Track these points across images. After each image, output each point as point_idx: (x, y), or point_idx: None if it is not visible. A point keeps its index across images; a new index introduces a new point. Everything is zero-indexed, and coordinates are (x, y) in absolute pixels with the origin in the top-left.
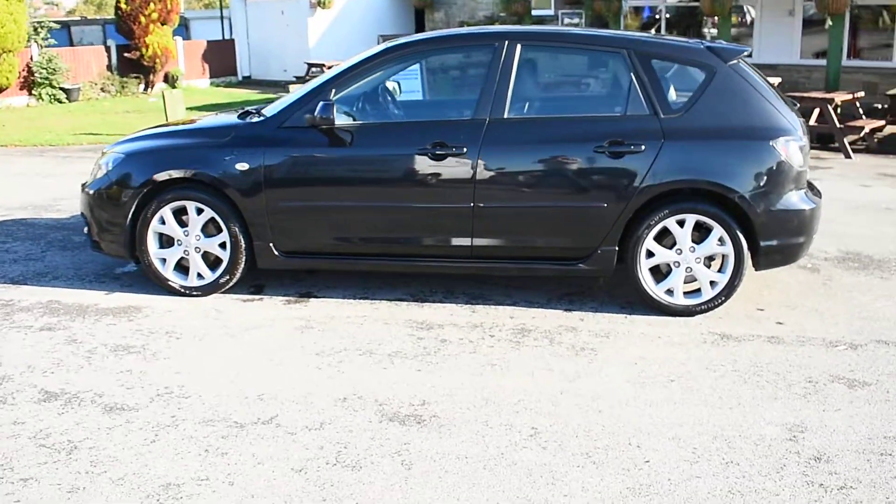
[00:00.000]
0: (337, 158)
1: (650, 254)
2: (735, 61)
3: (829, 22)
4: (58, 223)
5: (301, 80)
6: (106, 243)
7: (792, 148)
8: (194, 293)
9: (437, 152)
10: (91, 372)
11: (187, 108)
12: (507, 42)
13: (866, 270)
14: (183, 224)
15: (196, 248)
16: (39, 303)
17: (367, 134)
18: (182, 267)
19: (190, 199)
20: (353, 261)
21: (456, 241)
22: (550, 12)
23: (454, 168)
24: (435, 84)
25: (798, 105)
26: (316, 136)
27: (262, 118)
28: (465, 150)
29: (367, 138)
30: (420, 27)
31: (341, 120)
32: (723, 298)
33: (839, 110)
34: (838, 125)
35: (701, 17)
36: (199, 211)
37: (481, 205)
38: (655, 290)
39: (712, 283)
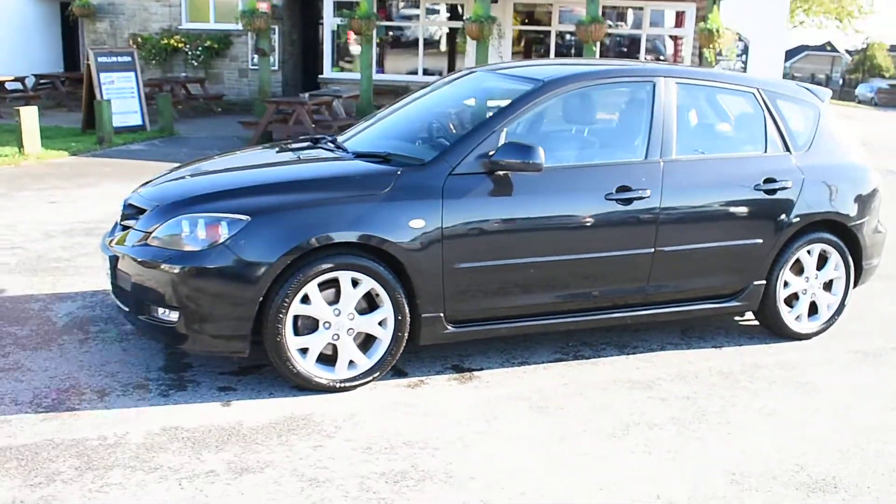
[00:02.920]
0: (522, 207)
1: (786, 284)
2: (826, 101)
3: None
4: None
5: None
6: (204, 336)
7: (879, 178)
8: (345, 387)
9: (623, 196)
10: None
11: None
12: (663, 80)
13: None
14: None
15: (349, 329)
16: (155, 432)
17: (547, 178)
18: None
19: (346, 269)
20: (528, 323)
21: (634, 289)
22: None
23: (639, 213)
24: (586, 121)
25: None
26: (493, 183)
27: (419, 163)
28: (648, 192)
29: (548, 183)
30: (74, 38)
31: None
32: (836, 318)
33: None
34: None
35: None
36: (355, 283)
37: (662, 249)
38: (788, 318)
39: (828, 306)
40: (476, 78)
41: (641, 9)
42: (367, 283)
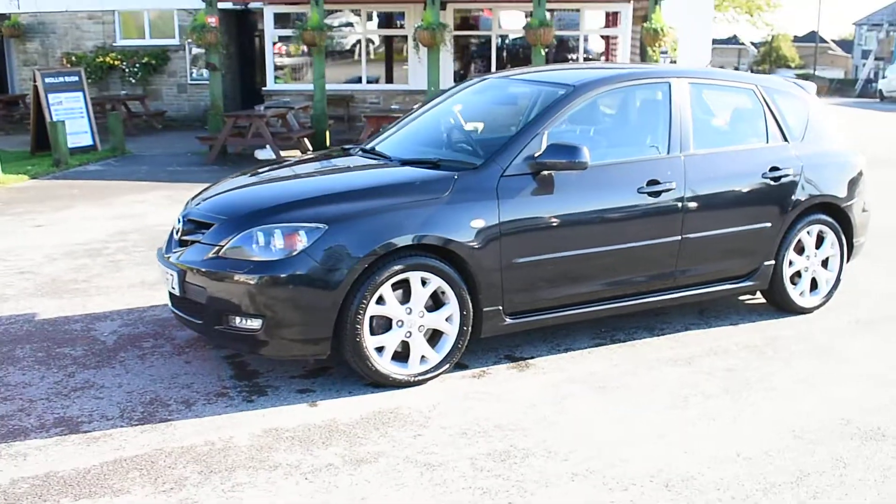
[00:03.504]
0: (566, 203)
1: (791, 263)
2: (812, 94)
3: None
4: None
5: None
6: (284, 342)
7: (863, 161)
8: (418, 381)
9: (653, 189)
10: None
11: None
12: (676, 80)
13: None
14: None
15: (419, 326)
16: (257, 434)
17: (585, 176)
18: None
19: (416, 270)
20: (577, 311)
21: (665, 275)
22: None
23: (667, 204)
24: (613, 121)
25: None
26: (539, 182)
27: (472, 167)
28: (674, 185)
29: (586, 181)
30: (2, 60)
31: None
32: (833, 292)
33: None
34: None
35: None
36: (424, 283)
37: (687, 236)
38: (794, 294)
39: (827, 282)
40: (495, 85)
41: (578, 10)
42: (435, 282)
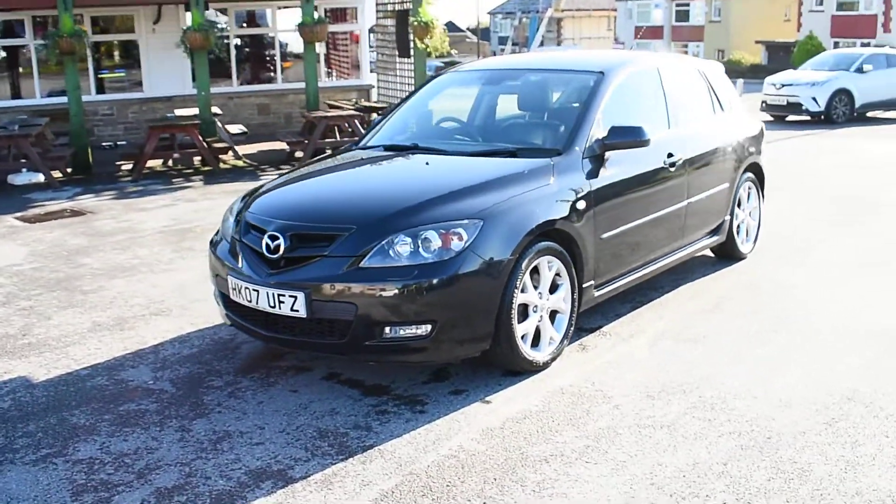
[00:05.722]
0: (627, 177)
1: (736, 216)
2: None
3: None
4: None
5: None
6: (449, 344)
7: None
8: (550, 362)
9: (672, 161)
10: None
11: None
12: (660, 65)
13: None
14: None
15: (546, 308)
16: (475, 437)
17: (629, 153)
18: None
19: (544, 254)
20: (632, 276)
21: (676, 236)
22: None
23: (679, 173)
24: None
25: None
26: (604, 161)
27: (559, 154)
28: (681, 156)
29: (631, 158)
30: None
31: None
32: (758, 237)
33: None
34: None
35: None
36: (549, 266)
37: (690, 201)
38: (738, 242)
39: (755, 229)
40: (504, 75)
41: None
42: (555, 265)
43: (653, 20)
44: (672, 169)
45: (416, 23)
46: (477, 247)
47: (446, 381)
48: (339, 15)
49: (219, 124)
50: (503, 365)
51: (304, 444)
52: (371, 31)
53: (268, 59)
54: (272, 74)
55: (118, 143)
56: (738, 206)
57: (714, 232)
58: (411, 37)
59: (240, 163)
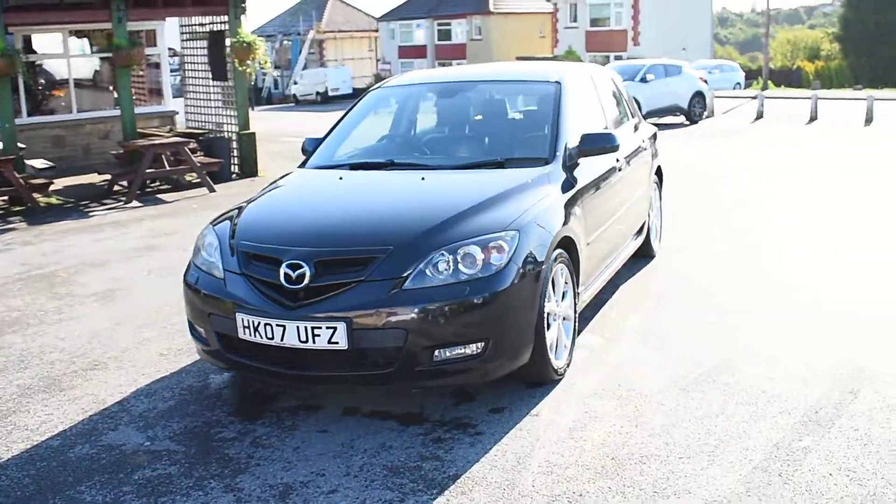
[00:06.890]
0: (596, 182)
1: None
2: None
3: None
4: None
5: None
6: (497, 361)
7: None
8: (566, 369)
9: (619, 164)
10: None
11: None
12: (592, 74)
13: None
14: None
15: (561, 316)
16: (555, 451)
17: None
18: None
19: (560, 263)
20: (602, 277)
21: (625, 236)
22: None
23: (623, 174)
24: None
25: None
26: (577, 167)
27: (547, 163)
28: (623, 156)
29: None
30: None
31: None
32: (660, 234)
33: None
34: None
35: None
36: (561, 273)
37: (629, 202)
38: (653, 240)
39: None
40: (452, 88)
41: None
42: (565, 272)
43: (416, 40)
44: (620, 170)
45: (236, 44)
46: (518, 258)
47: (473, 401)
48: (133, 37)
49: (25, 161)
50: (535, 377)
51: (383, 483)
52: (174, 54)
53: (59, 86)
54: (63, 104)
55: None
56: (650, 206)
57: (639, 232)
58: (229, 59)
59: (53, 200)
